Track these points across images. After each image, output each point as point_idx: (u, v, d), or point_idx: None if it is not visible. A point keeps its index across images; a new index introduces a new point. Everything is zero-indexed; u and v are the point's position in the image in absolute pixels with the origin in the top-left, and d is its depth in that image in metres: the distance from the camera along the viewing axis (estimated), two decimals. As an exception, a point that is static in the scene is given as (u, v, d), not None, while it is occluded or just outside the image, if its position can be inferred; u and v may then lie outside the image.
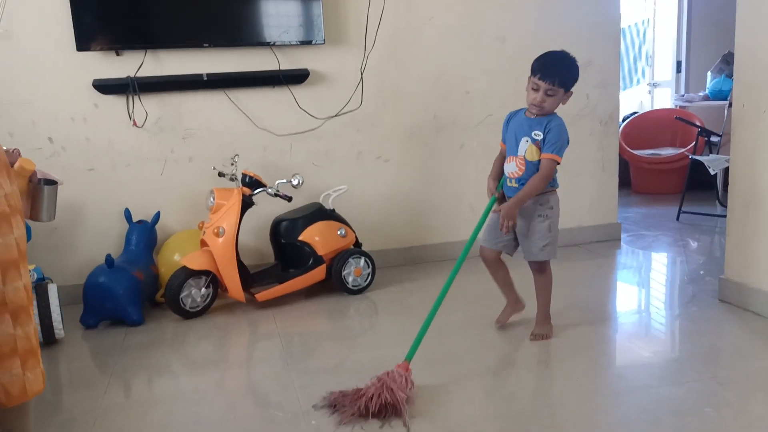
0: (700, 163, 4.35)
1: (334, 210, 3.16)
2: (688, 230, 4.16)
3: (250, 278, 2.94)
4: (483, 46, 3.53)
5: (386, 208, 3.54)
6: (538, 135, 2.27)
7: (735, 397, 1.94)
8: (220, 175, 3.03)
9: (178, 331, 2.76)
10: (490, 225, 2.43)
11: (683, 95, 5.75)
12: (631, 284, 3.28)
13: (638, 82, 6.51)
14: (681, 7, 5.82)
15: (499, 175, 2.42)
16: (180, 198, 3.27)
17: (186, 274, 2.81)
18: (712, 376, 2.08)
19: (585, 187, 3.81)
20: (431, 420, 1.87)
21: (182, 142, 3.23)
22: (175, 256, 3.04)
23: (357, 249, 3.13)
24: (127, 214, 3.10)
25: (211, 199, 2.91)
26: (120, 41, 3.05)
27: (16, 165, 1.64)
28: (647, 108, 6.30)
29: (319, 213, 3.09)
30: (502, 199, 2.41)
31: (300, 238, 3.01)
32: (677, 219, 4.42)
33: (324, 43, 3.26)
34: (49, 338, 2.59)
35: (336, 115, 3.37)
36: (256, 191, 2.96)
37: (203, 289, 2.86)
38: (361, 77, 3.37)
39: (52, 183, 1.80)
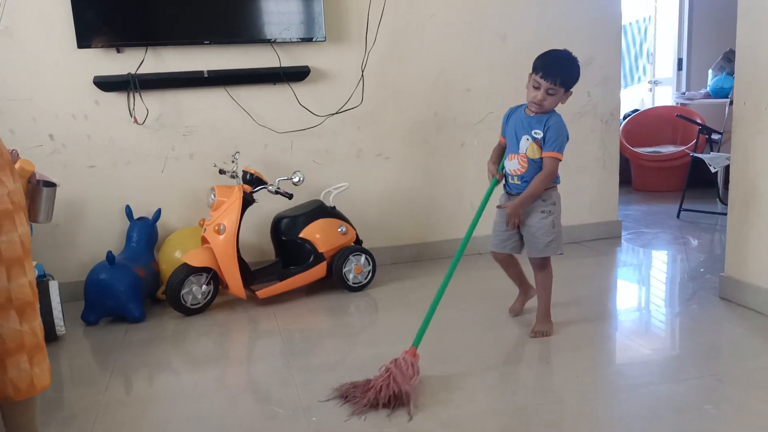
0: (701, 161, 4.35)
1: (334, 207, 3.16)
2: (688, 228, 4.16)
3: (250, 275, 2.94)
4: (484, 43, 3.52)
5: (387, 206, 3.55)
6: (538, 133, 2.29)
7: (735, 394, 1.94)
8: (221, 172, 3.03)
9: (178, 328, 2.77)
10: (496, 230, 2.49)
11: (684, 93, 5.75)
12: (631, 282, 3.28)
13: (639, 79, 6.50)
14: (682, 4, 5.81)
15: (498, 159, 2.47)
16: (181, 195, 3.27)
17: (187, 271, 2.81)
18: (713, 374, 2.08)
19: (586, 185, 3.81)
20: (431, 417, 1.88)
21: (183, 139, 3.24)
22: (176, 253, 3.04)
23: (357, 246, 3.13)
24: (128, 211, 3.11)
25: (212, 197, 2.92)
26: (121, 38, 3.05)
27: (17, 165, 1.65)
28: (648, 106, 6.29)
29: (319, 210, 3.09)
30: (503, 181, 2.46)
31: (301, 235, 3.01)
32: (678, 216, 4.42)
33: (325, 41, 3.26)
34: (50, 335, 2.59)
35: (337, 113, 3.37)
36: (256, 188, 2.96)
37: (204, 286, 2.86)
38: (362, 75, 3.36)
39: (50, 185, 1.80)
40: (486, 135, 3.54)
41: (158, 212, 3.14)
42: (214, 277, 2.88)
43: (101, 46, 3.02)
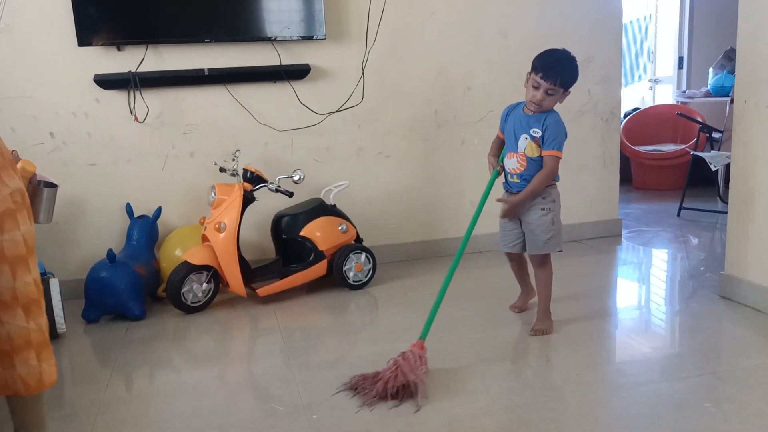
0: (702, 160, 4.35)
1: (335, 205, 3.16)
2: (688, 226, 4.16)
3: (251, 273, 2.94)
4: (485, 41, 3.52)
5: (387, 204, 3.55)
6: (537, 132, 2.31)
7: (735, 392, 1.94)
8: (222, 170, 3.03)
9: (179, 326, 2.77)
10: (504, 231, 2.54)
11: (685, 91, 5.74)
12: (631, 280, 3.29)
13: (640, 78, 6.50)
14: (683, 2, 5.81)
15: (497, 152, 2.50)
16: (181, 193, 3.27)
17: (187, 269, 2.81)
18: (712, 372, 2.09)
19: (586, 183, 3.81)
20: (431, 415, 1.88)
21: (183, 137, 3.24)
22: (176, 251, 3.04)
23: (358, 244, 3.14)
24: (129, 210, 3.11)
25: (213, 195, 2.92)
26: (121, 36, 3.05)
27: (18, 166, 1.66)
28: (649, 104, 6.29)
29: (320, 208, 3.09)
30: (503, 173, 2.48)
31: (301, 233, 3.01)
32: (678, 215, 4.42)
33: (325, 39, 3.25)
34: (50, 333, 2.56)
35: (337, 111, 3.37)
36: (257, 187, 2.96)
37: (204, 284, 2.87)
38: (363, 73, 3.36)
39: (51, 186, 1.81)
40: (486, 133, 3.53)
41: (159, 210, 3.14)
42: (214, 275, 2.88)
43: (102, 44, 3.02)
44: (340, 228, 3.08)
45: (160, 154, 3.23)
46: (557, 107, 2.35)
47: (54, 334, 2.60)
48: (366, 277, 3.12)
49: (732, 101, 3.02)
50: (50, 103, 3.06)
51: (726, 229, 2.82)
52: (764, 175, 2.55)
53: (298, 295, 3.07)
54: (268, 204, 3.16)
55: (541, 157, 2.33)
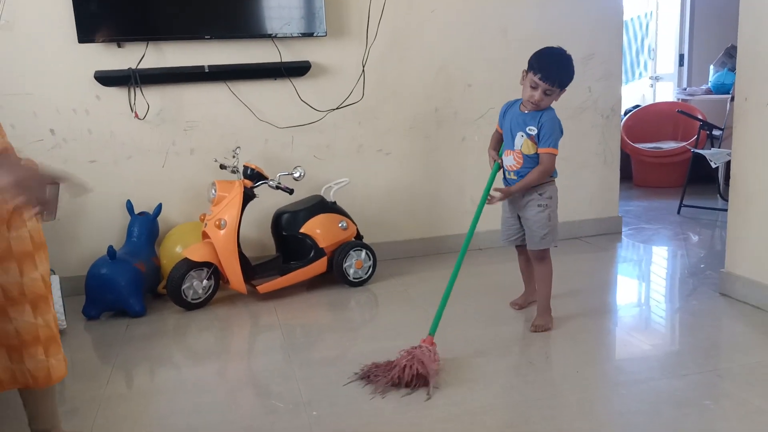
0: (702, 157, 4.35)
1: (335, 202, 3.16)
2: (689, 224, 4.16)
3: (251, 270, 2.94)
4: (485, 38, 3.52)
5: (387, 201, 3.55)
6: (532, 130, 2.34)
7: (735, 389, 1.95)
8: (222, 167, 3.03)
9: (179, 323, 2.77)
10: (505, 224, 2.57)
11: (685, 89, 5.74)
12: (631, 277, 3.29)
13: (640, 75, 6.49)
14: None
15: (497, 145, 2.52)
16: (182, 190, 3.27)
17: (188, 265, 2.81)
18: (712, 369, 2.09)
19: (586, 180, 3.81)
20: (430, 411, 1.88)
21: (184, 134, 3.24)
22: (176, 248, 3.05)
23: (358, 241, 3.14)
24: (129, 206, 3.11)
25: (213, 192, 2.92)
26: (121, 33, 3.05)
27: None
28: (649, 101, 6.29)
29: (320, 205, 3.09)
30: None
31: (301, 230, 3.01)
32: (678, 212, 4.42)
33: (326, 36, 3.25)
34: (51, 329, 2.60)
35: (337, 108, 3.37)
36: (257, 183, 2.96)
37: (205, 281, 2.87)
38: (363, 70, 3.36)
39: (53, 183, 1.82)
40: (487, 130, 3.50)
41: (159, 207, 3.14)
42: (214, 271, 2.88)
43: (102, 41, 3.02)
44: (340, 225, 3.08)
45: (161, 151, 3.23)
46: (554, 104, 2.36)
47: (54, 331, 2.61)
48: (366, 274, 3.13)
49: (732, 99, 3.01)
50: (50, 100, 3.06)
51: (726, 226, 2.82)
52: (765, 173, 2.55)
53: (299, 292, 3.07)
54: (269, 201, 3.16)
55: (537, 154, 2.35)
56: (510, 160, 2.41)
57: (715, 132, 4.68)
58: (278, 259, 3.07)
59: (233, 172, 2.99)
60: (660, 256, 3.67)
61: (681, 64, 5.93)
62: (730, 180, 2.75)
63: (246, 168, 2.97)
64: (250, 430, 1.85)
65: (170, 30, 3.12)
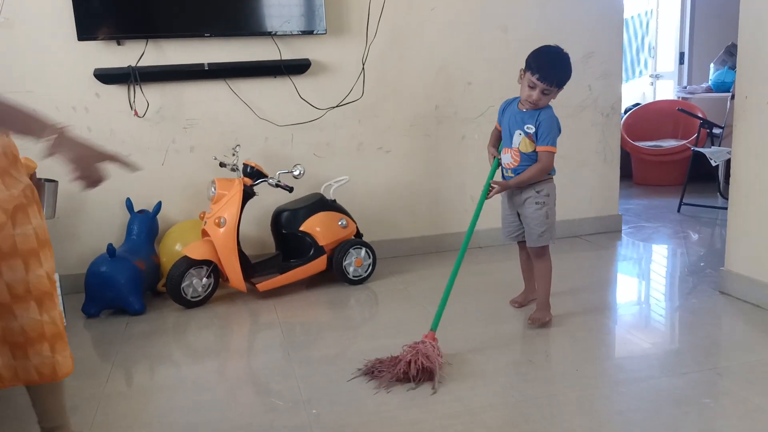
0: (702, 155, 4.35)
1: (335, 200, 3.16)
2: (689, 222, 4.16)
3: (251, 268, 2.94)
4: (485, 36, 3.51)
5: (387, 199, 3.55)
6: (530, 128, 2.35)
7: (734, 387, 1.95)
8: (222, 165, 3.03)
9: (179, 321, 2.77)
10: (504, 222, 2.58)
11: (686, 87, 5.73)
12: (631, 275, 3.29)
13: (641, 73, 6.49)
14: (684, -2, 5.80)
15: (496, 142, 2.53)
16: (181, 188, 3.27)
17: (187, 263, 2.81)
18: (712, 367, 2.09)
19: (586, 179, 3.81)
20: (429, 409, 1.88)
21: (183, 132, 3.23)
22: (176, 246, 3.04)
23: (358, 239, 3.14)
24: (129, 204, 3.11)
25: (213, 190, 2.92)
26: (121, 30, 3.04)
27: None
28: (649, 99, 6.28)
29: (320, 203, 3.09)
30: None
31: (301, 228, 3.01)
32: (678, 211, 4.42)
33: (325, 33, 3.25)
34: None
35: (337, 106, 3.36)
36: (257, 181, 2.96)
37: (204, 279, 2.87)
38: (363, 68, 3.36)
39: (52, 181, 1.82)
40: (487, 128, 3.50)
41: (159, 205, 3.14)
42: (214, 269, 2.88)
43: (102, 39, 3.01)
44: (340, 223, 3.08)
45: (160, 149, 3.22)
46: (553, 102, 2.37)
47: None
48: (366, 272, 3.13)
49: (733, 97, 3.01)
50: (50, 98, 3.05)
51: (726, 224, 2.82)
52: (765, 172, 2.55)
53: (298, 290, 3.07)
54: (268, 199, 3.16)
55: (535, 152, 2.36)
56: (508, 158, 2.43)
57: (716, 130, 4.67)
58: (278, 257, 3.07)
59: (233, 170, 2.98)
60: (660, 254, 3.67)
61: (681, 62, 5.92)
62: (731, 178, 2.75)
63: (246, 166, 2.97)
64: (250, 428, 1.85)
65: (170, 28, 3.11)
